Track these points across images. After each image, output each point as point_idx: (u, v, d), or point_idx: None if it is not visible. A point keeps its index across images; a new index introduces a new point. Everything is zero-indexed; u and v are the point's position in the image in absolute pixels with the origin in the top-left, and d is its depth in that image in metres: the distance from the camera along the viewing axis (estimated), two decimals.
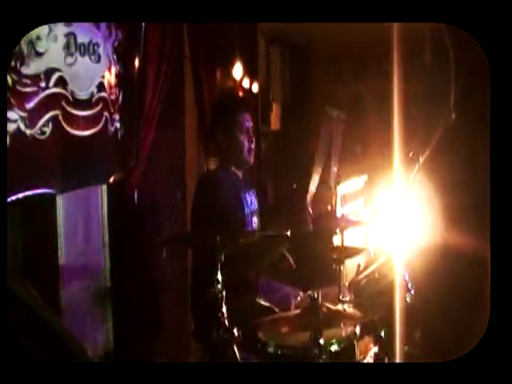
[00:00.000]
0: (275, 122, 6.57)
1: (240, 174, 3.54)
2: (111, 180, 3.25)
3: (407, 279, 3.02)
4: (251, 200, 3.52)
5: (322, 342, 2.63)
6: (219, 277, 2.66)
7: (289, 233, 3.29)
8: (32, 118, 2.56)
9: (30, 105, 2.55)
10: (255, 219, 3.53)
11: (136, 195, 3.43)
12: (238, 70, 5.08)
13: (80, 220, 3.12)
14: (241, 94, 5.09)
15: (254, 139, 3.50)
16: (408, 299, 2.95)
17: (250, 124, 3.48)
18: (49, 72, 2.65)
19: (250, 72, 5.33)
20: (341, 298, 3.13)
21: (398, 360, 2.74)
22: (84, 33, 2.86)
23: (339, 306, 2.97)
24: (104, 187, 3.29)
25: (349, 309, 2.98)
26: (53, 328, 1.32)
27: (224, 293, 2.66)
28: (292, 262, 4.01)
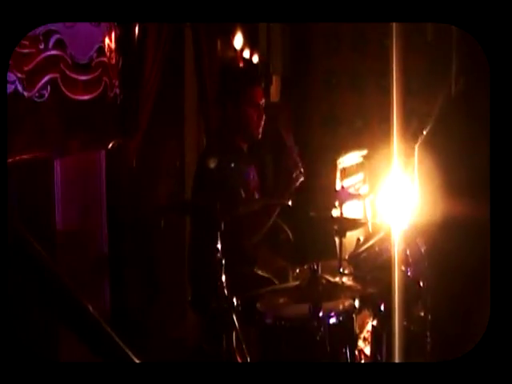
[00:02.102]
0: (274, 95, 6.51)
1: (245, 147, 3.48)
2: (110, 146, 3.22)
3: (408, 254, 3.00)
4: (253, 175, 3.47)
5: (320, 314, 2.61)
6: (219, 245, 2.63)
7: (290, 202, 3.25)
8: (30, 79, 2.53)
9: (28, 66, 2.51)
10: (257, 195, 3.48)
11: (135, 162, 3.40)
12: (238, 41, 5.02)
13: (78, 185, 3.08)
14: (242, 65, 5.04)
15: (263, 115, 3.43)
16: (410, 273, 2.92)
17: (261, 100, 3.43)
18: (48, 34, 2.62)
19: (251, 43, 5.27)
20: (341, 270, 3.10)
21: (396, 334, 2.73)
22: None
23: (338, 279, 2.95)
24: (103, 153, 3.25)
25: (348, 282, 2.95)
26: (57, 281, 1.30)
27: (223, 262, 2.63)
28: (290, 234, 3.98)
